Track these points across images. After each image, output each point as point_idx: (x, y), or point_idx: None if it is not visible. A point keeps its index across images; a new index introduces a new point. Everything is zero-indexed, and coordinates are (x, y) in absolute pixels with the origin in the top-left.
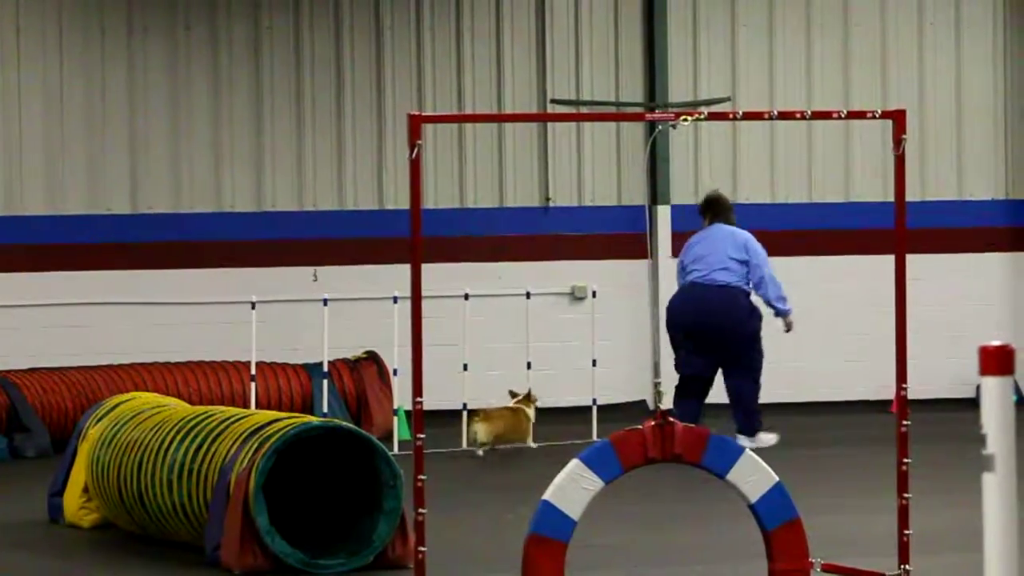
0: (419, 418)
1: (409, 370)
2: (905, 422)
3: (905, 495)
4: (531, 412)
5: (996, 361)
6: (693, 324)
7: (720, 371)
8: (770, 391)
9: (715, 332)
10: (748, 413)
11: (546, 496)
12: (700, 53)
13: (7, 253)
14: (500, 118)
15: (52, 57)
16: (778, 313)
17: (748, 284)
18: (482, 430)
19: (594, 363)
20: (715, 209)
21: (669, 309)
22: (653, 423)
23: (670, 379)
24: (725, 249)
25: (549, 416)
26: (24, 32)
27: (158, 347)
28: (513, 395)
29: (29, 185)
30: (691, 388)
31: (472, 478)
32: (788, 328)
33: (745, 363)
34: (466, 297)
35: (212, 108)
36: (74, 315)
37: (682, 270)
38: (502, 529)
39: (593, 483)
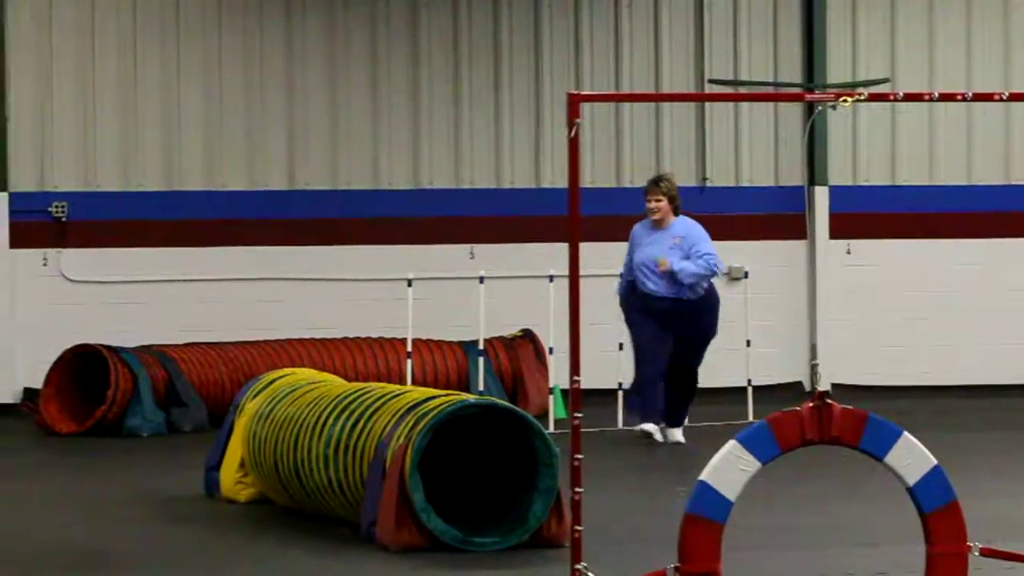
0: (576, 397)
1: (565, 349)
2: None
3: None
4: None
5: None
6: None
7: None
8: (915, 374)
9: None
10: None
11: (703, 477)
12: (859, 33)
13: (166, 229)
14: (658, 97)
15: (211, 34)
16: None
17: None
18: None
19: (748, 343)
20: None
21: None
22: (811, 404)
23: (827, 360)
24: None
25: (706, 396)
26: (183, 8)
27: (314, 323)
28: None
29: (188, 161)
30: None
31: (628, 458)
32: None
33: None
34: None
35: (370, 85)
36: (231, 291)
37: None
38: (658, 509)
39: (750, 464)
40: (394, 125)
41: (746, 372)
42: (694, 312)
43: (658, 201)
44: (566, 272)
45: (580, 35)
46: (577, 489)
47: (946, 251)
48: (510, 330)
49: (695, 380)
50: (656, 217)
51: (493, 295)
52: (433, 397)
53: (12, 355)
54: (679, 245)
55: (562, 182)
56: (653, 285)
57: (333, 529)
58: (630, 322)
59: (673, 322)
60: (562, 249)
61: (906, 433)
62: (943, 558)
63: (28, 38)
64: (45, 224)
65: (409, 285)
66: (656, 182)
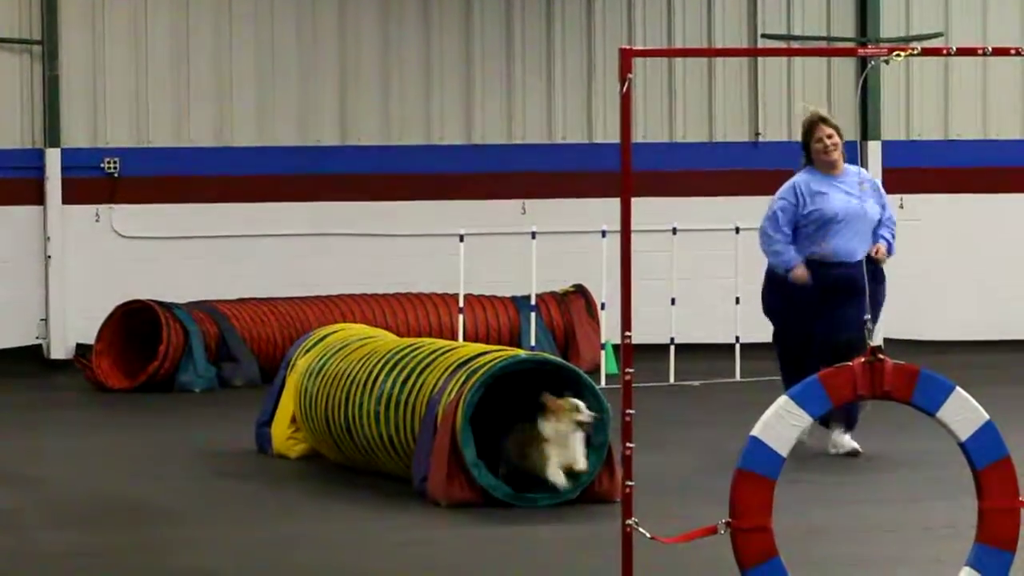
0: (628, 352)
1: (617, 304)
2: None
3: None
4: None
5: None
6: None
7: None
8: (968, 329)
9: None
10: None
11: (754, 432)
12: None
13: (218, 185)
14: (710, 52)
15: None
16: None
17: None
18: None
19: None
20: None
21: None
22: (863, 360)
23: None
24: None
25: (757, 352)
26: None
27: (366, 279)
28: None
29: (240, 117)
30: None
31: (679, 413)
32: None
33: None
34: (674, 232)
35: (423, 41)
36: (283, 246)
37: None
38: (709, 464)
39: (802, 419)
40: (446, 81)
41: None
42: (872, 272)
43: (830, 138)
44: (618, 227)
45: None
46: (628, 444)
47: (999, 205)
48: (562, 285)
49: None
50: (834, 156)
51: (545, 250)
52: (485, 352)
53: (64, 311)
54: (867, 192)
55: (614, 137)
56: (846, 248)
57: (384, 485)
58: (783, 308)
59: (851, 289)
60: (614, 204)
61: (958, 388)
62: (995, 513)
63: None
64: (97, 180)
65: (461, 240)
66: (823, 116)
